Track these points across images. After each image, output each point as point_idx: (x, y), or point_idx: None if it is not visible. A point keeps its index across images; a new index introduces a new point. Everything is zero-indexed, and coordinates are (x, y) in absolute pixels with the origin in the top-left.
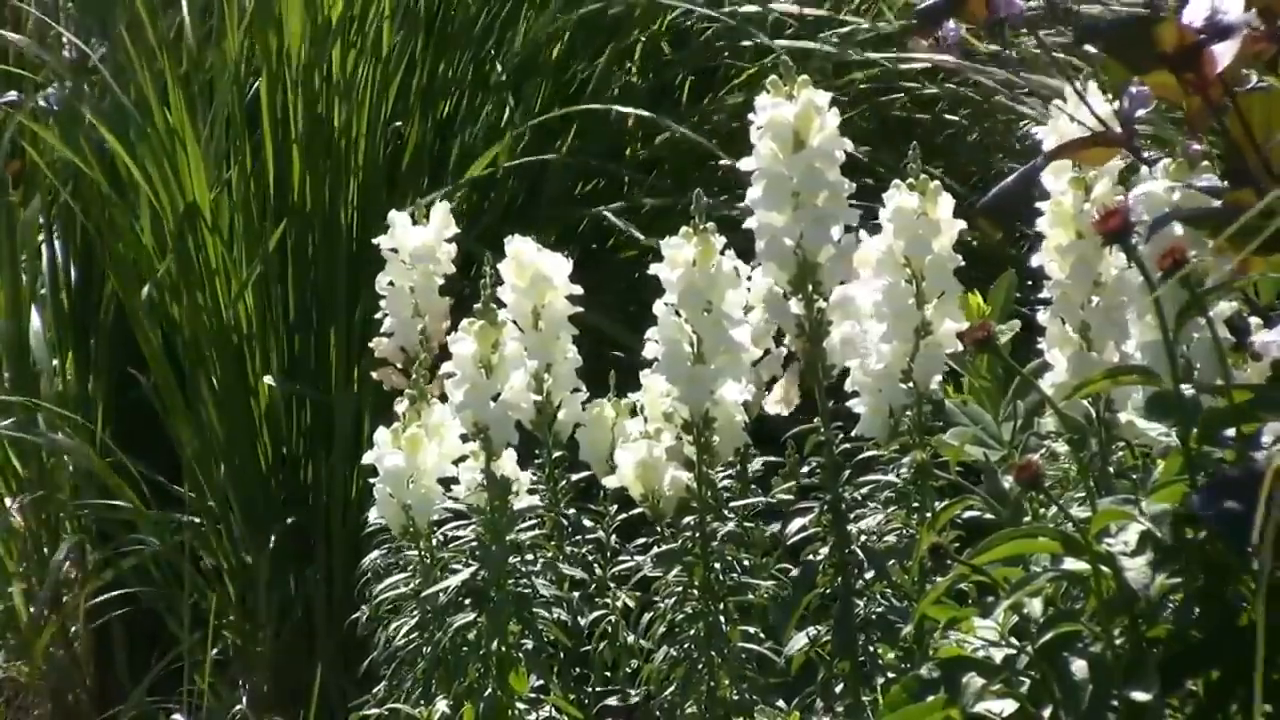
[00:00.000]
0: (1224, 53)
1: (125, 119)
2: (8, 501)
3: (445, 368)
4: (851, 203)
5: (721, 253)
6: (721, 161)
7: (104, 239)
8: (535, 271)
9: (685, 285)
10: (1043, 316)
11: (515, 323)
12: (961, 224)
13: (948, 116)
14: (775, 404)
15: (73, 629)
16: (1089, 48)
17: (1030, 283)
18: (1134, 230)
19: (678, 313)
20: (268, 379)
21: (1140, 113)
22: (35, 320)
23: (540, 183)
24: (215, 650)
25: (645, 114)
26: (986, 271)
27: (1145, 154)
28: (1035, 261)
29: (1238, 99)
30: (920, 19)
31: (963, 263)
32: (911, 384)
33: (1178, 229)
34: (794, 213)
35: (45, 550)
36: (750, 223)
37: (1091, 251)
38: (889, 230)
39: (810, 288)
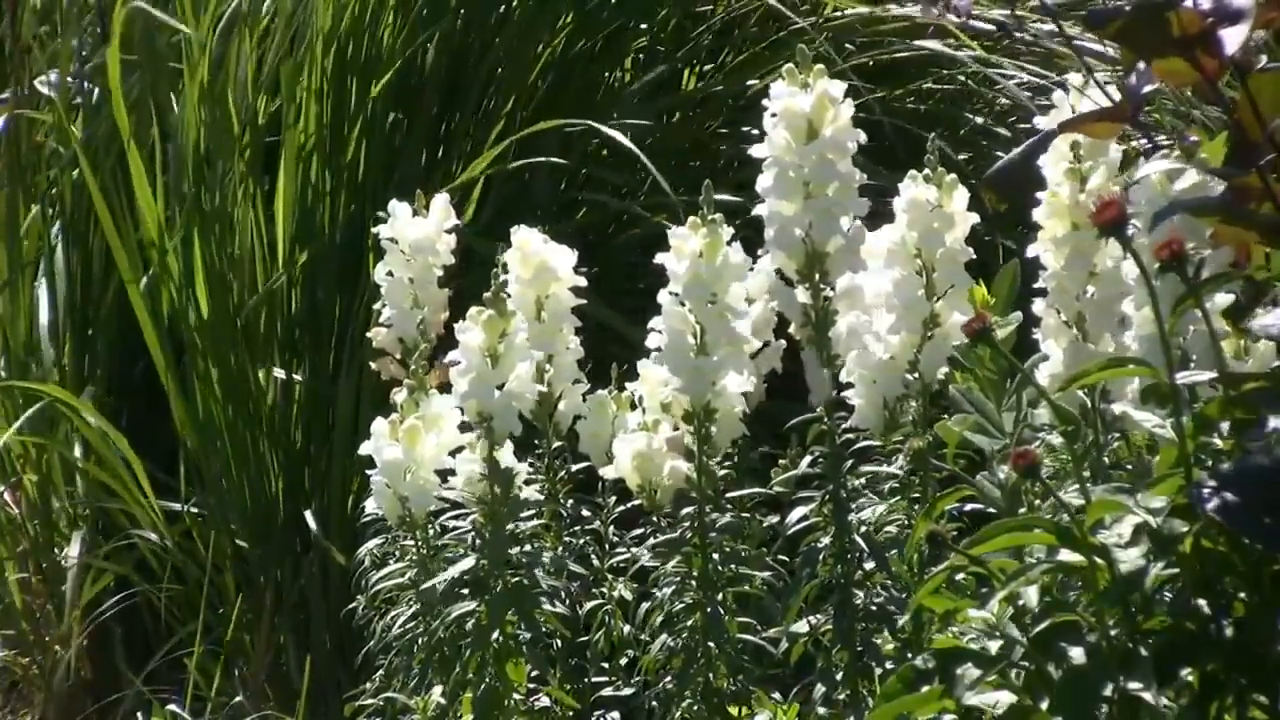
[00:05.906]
0: (1233, 37)
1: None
2: (4, 492)
3: (451, 356)
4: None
5: (729, 244)
6: None
7: (102, 231)
8: (540, 263)
9: (691, 277)
10: (1039, 307)
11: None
12: (975, 217)
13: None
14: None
15: (71, 619)
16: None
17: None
18: (1130, 221)
19: (682, 303)
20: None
21: (1147, 89)
22: (39, 310)
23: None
24: (212, 640)
25: None
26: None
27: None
28: (1031, 252)
29: (1248, 80)
30: None
31: (974, 256)
32: (915, 375)
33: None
34: (804, 202)
35: (43, 541)
36: (760, 210)
37: (1087, 243)
38: (902, 221)
39: (817, 277)
